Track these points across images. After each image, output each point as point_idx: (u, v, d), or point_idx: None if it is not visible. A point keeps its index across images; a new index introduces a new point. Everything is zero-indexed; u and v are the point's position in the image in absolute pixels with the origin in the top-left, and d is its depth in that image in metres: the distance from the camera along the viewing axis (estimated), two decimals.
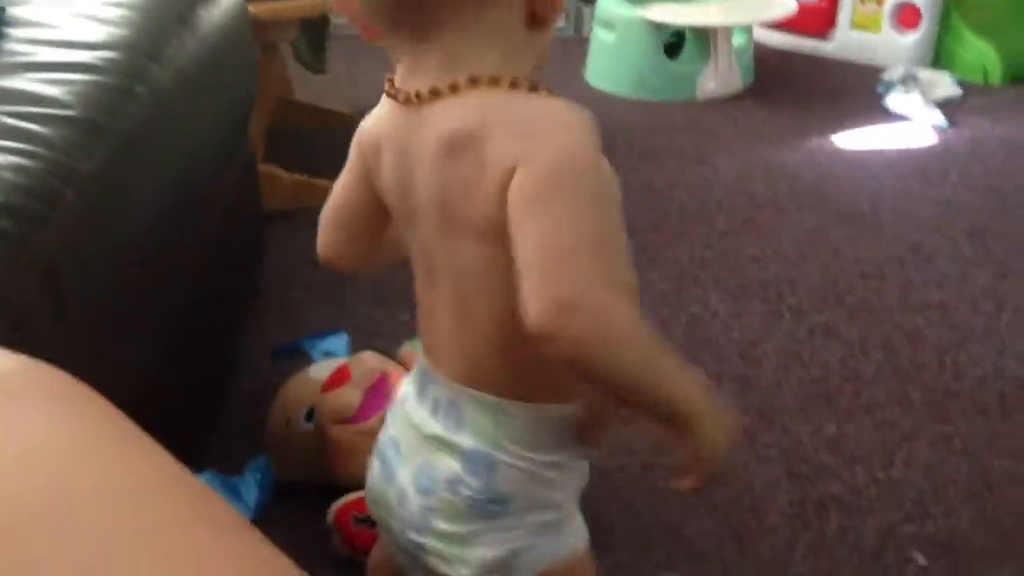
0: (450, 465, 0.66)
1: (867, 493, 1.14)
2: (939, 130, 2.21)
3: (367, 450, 1.07)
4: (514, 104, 0.60)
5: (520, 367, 0.63)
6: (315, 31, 2.05)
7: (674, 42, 2.54)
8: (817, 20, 2.70)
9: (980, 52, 2.48)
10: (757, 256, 1.69)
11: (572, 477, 0.69)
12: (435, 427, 0.67)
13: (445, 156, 0.60)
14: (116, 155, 0.86)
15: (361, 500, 1.03)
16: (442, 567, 0.67)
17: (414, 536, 0.68)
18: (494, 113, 0.60)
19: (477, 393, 0.65)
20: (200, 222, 1.12)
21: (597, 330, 0.57)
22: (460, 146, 0.60)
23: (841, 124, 2.26)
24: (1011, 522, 1.09)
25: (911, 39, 2.54)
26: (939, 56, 2.54)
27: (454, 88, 0.60)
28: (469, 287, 0.63)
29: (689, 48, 2.49)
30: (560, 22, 3.01)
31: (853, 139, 2.18)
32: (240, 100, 1.34)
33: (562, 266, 0.56)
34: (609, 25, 2.51)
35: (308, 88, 2.40)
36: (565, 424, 0.67)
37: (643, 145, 2.18)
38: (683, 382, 0.61)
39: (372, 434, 1.06)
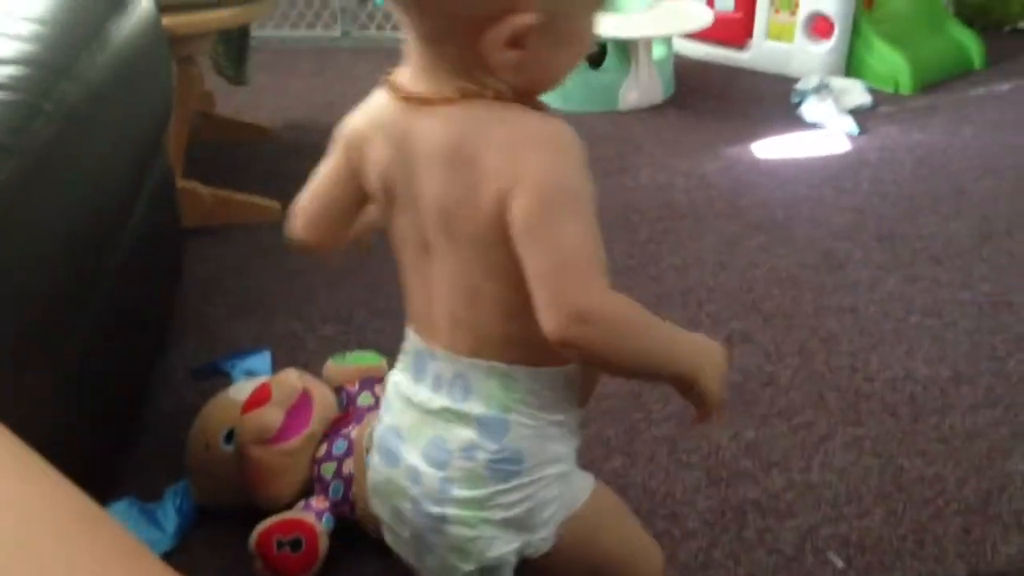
0: (463, 434, 0.70)
1: (784, 497, 1.17)
2: (851, 138, 2.28)
3: (290, 471, 1.07)
4: (495, 119, 0.65)
5: (525, 336, 0.66)
6: (235, 43, 2.03)
7: (596, 53, 2.58)
8: (734, 31, 2.77)
9: (890, 62, 2.57)
10: (677, 265, 1.72)
11: (572, 433, 0.75)
12: (442, 401, 0.71)
13: (444, 165, 0.65)
14: (22, 175, 0.84)
15: (283, 523, 1.02)
16: (466, 532, 0.70)
17: (434, 509, 0.71)
18: (479, 127, 0.64)
19: (484, 363, 0.69)
20: (114, 240, 1.10)
21: (607, 332, 0.64)
22: (455, 160, 0.65)
23: (758, 133, 2.31)
24: (923, 520, 1.13)
25: (824, 49, 2.61)
26: (851, 65, 2.62)
27: (448, 100, 0.65)
28: (477, 274, 0.67)
29: (611, 59, 2.53)
30: None
31: (769, 148, 2.24)
32: (155, 115, 1.31)
33: (567, 281, 0.63)
34: None
35: (230, 100, 2.37)
36: (564, 383, 0.72)
37: None
38: (678, 351, 0.69)
39: (295, 454, 1.06)
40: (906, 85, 2.55)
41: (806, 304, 1.59)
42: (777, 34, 2.70)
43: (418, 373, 0.73)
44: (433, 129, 0.65)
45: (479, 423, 0.69)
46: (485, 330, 0.69)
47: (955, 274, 1.68)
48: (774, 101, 2.50)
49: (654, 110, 2.49)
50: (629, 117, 2.44)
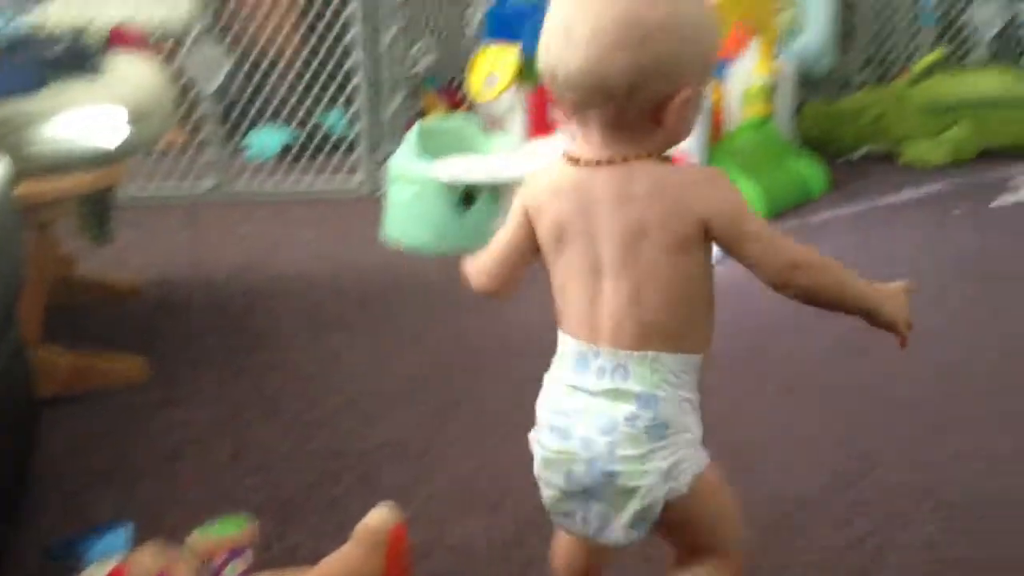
0: (625, 408, 0.94)
1: None
2: (714, 264, 2.38)
3: None
4: (658, 169, 0.93)
5: (672, 331, 0.94)
6: (96, 201, 2.01)
7: (469, 192, 2.66)
8: None
9: (743, 190, 2.72)
10: None
11: (696, 411, 0.98)
12: (607, 384, 0.95)
13: (623, 202, 0.93)
14: None
15: None
16: (632, 482, 0.94)
17: (605, 467, 0.94)
18: (646, 175, 0.92)
19: (639, 353, 0.94)
20: None
21: (813, 272, 0.94)
22: (631, 197, 0.92)
23: None
24: None
25: None
26: None
27: (625, 159, 0.93)
28: (644, 282, 0.93)
29: (483, 200, 2.61)
30: (359, 179, 3.09)
31: None
32: (3, 287, 1.28)
33: (777, 249, 0.94)
34: (403, 182, 2.60)
35: (94, 260, 2.33)
36: (696, 368, 0.97)
37: (447, 295, 2.22)
38: (863, 287, 0.96)
39: None
40: (760, 211, 2.71)
41: None
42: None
43: (581, 368, 0.97)
44: (611, 181, 0.93)
45: (637, 398, 0.94)
46: (642, 328, 0.94)
47: (810, 393, 1.75)
48: None
49: None
50: None
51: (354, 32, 2.98)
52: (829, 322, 2.07)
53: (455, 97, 3.22)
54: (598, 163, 0.93)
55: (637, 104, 0.90)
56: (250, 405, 1.75)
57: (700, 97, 0.93)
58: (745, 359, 1.87)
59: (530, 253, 1.03)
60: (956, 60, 3.53)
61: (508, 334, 2.02)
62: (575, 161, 0.95)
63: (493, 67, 2.92)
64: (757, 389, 1.77)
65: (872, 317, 0.96)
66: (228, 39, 3.06)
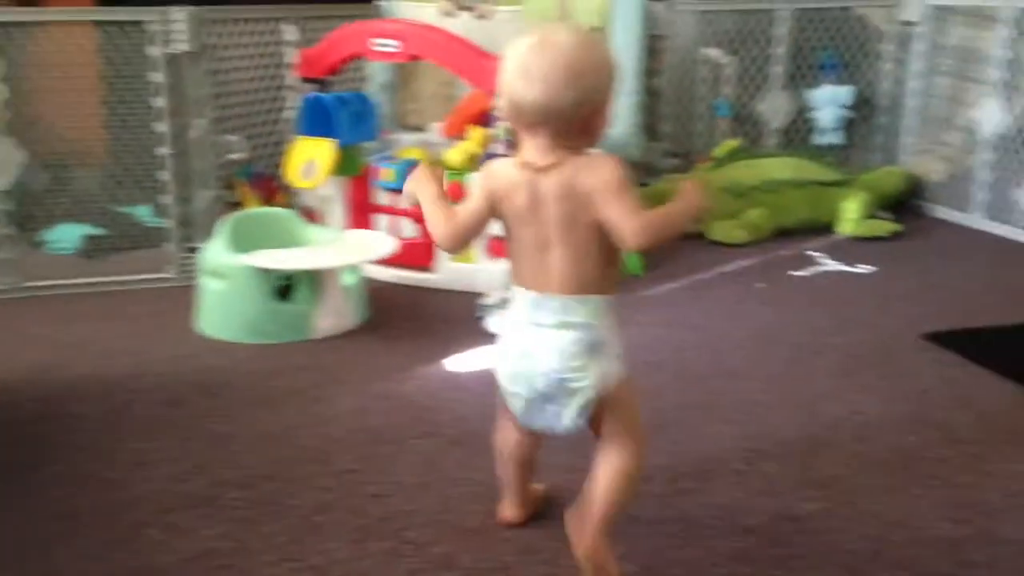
0: (571, 334, 1.35)
1: None
2: None
3: None
4: (582, 162, 1.34)
5: (598, 280, 1.36)
6: None
7: (286, 284, 2.60)
8: (419, 255, 2.91)
9: None
10: (378, 493, 1.69)
11: (618, 335, 1.40)
12: (557, 319, 1.35)
13: (562, 198, 1.33)
14: None
15: None
16: (576, 384, 1.35)
17: (558, 376, 1.35)
18: (575, 171, 1.33)
19: (578, 297, 1.35)
20: None
21: (656, 228, 1.31)
22: (568, 192, 1.33)
23: (451, 349, 2.40)
24: None
25: (503, 266, 2.79)
26: None
27: (562, 162, 1.33)
28: (578, 251, 1.35)
29: (301, 289, 2.55)
30: (170, 272, 2.97)
31: (462, 362, 2.32)
32: None
33: (635, 216, 1.30)
34: (217, 273, 2.51)
35: None
36: (613, 305, 1.39)
37: (262, 390, 2.16)
38: (680, 211, 1.38)
39: None
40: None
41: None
42: (459, 256, 2.87)
43: (536, 311, 1.37)
44: (552, 180, 1.33)
45: (579, 327, 1.35)
46: (579, 281, 1.35)
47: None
48: (463, 317, 2.62)
49: (349, 336, 2.52)
50: (324, 345, 2.45)
51: (162, 126, 2.90)
52: (645, 396, 2.14)
53: (271, 188, 3.17)
54: (545, 168, 1.34)
55: (576, 121, 1.32)
56: (43, 525, 1.60)
57: (609, 111, 1.37)
58: None
59: (486, 224, 1.41)
60: (751, 147, 3.80)
61: (323, 430, 1.96)
62: (529, 166, 1.35)
63: (310, 157, 2.91)
64: None
65: (695, 217, 1.42)
66: (27, 135, 2.90)
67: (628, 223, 1.29)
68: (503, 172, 1.38)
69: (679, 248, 3.28)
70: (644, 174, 3.63)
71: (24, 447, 1.87)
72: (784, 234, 3.42)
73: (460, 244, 1.44)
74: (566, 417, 1.38)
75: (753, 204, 3.42)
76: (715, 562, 1.48)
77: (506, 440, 1.54)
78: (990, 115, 3.45)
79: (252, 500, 1.67)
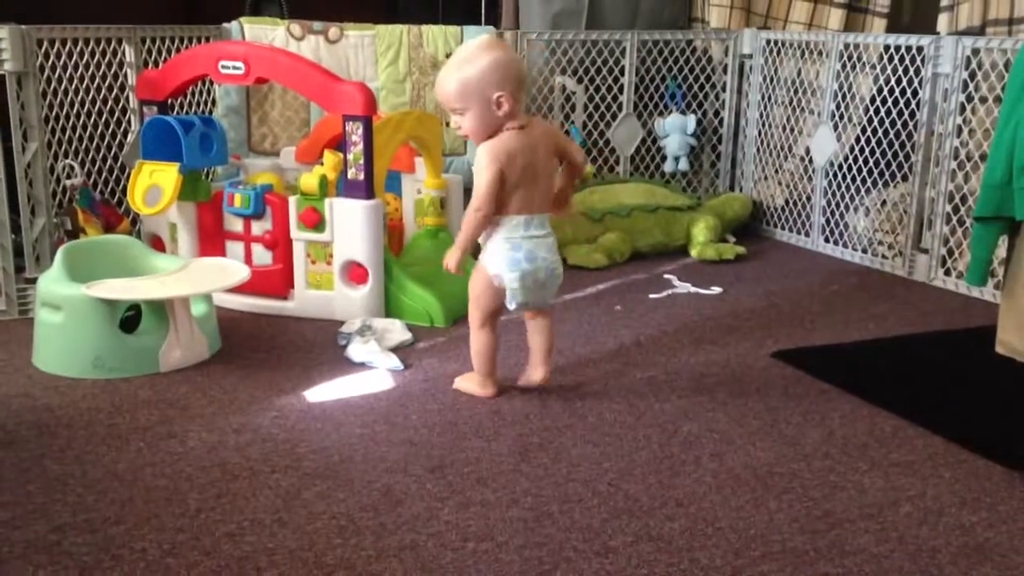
0: (550, 238, 2.15)
1: None
2: (397, 374, 2.39)
3: None
4: (535, 120, 2.14)
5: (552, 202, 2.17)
6: None
7: (130, 315, 2.47)
8: (275, 283, 2.83)
9: (423, 300, 2.77)
10: (233, 531, 1.62)
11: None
12: (543, 231, 2.12)
13: (542, 142, 2.10)
14: None
15: None
16: (558, 270, 2.17)
17: (552, 268, 2.15)
18: (538, 124, 2.15)
19: (546, 214, 2.14)
20: None
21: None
22: (544, 138, 2.11)
23: (310, 379, 2.33)
24: None
25: (361, 293, 2.75)
26: (389, 306, 2.78)
27: (529, 120, 2.11)
28: (548, 180, 2.13)
29: (147, 320, 2.43)
30: (1, 305, 2.77)
31: (322, 392, 2.26)
32: None
33: (579, 151, 2.19)
34: (53, 305, 2.36)
35: None
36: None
37: (105, 428, 2.03)
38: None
39: None
40: (439, 319, 2.76)
41: (367, 549, 1.57)
42: (316, 283, 2.80)
43: (529, 226, 2.09)
44: (535, 132, 2.09)
45: (551, 232, 2.14)
46: (546, 202, 2.13)
47: (501, 493, 1.77)
48: (322, 346, 2.56)
49: (200, 368, 2.41)
50: (173, 378, 2.33)
51: None
52: (508, 422, 2.13)
53: (114, 215, 3.01)
54: (526, 124, 2.08)
55: (488, 99, 2.04)
56: None
57: (504, 95, 2.05)
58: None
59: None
60: (604, 174, 3.89)
61: (173, 468, 1.86)
62: (521, 127, 2.07)
63: (154, 181, 2.78)
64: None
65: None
66: None
67: (578, 152, 2.16)
68: (504, 147, 2.04)
69: None
70: None
71: None
72: (639, 257, 3.52)
73: (492, 211, 2.07)
74: (550, 296, 2.19)
75: (608, 229, 3.51)
76: None
77: (492, 339, 2.24)
78: (822, 144, 3.67)
79: (96, 545, 1.57)
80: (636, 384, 2.34)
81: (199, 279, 2.53)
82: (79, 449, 1.93)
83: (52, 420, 2.08)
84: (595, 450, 1.96)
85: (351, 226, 2.71)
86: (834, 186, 3.64)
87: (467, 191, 3.37)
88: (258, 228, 2.84)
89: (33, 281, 2.59)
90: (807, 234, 3.80)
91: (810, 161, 3.74)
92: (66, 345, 2.35)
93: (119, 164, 3.17)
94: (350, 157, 2.68)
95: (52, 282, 2.39)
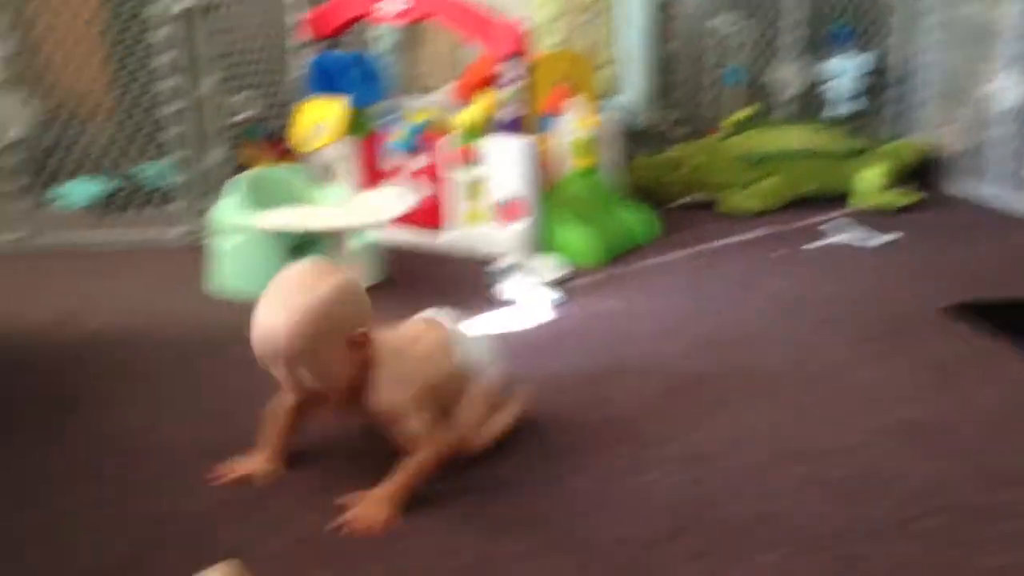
0: None
1: None
2: (550, 310, 2.41)
3: None
4: None
5: None
6: None
7: (300, 244, 2.58)
8: (432, 217, 2.89)
9: (578, 238, 2.78)
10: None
11: None
12: None
13: None
14: None
15: None
16: None
17: None
18: None
19: None
20: None
21: None
22: None
23: (464, 312, 2.38)
24: None
25: (516, 230, 2.78)
26: (544, 243, 2.81)
27: None
28: None
29: (315, 250, 2.53)
30: (181, 230, 2.94)
31: (476, 326, 2.30)
32: None
33: None
34: (228, 233, 2.49)
35: None
36: None
37: None
38: None
39: None
40: (593, 258, 2.76)
41: (521, 475, 1.61)
42: (472, 219, 2.85)
43: None
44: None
45: None
46: None
47: (654, 429, 1.77)
48: (475, 280, 2.61)
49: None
50: None
51: (172, 82, 2.86)
52: (660, 362, 2.11)
53: (280, 147, 3.14)
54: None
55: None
56: (67, 470, 1.60)
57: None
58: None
59: None
60: (764, 116, 3.77)
61: None
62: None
63: (320, 117, 2.87)
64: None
65: None
66: (37, 89, 2.87)
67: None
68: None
69: (692, 216, 3.27)
70: (654, 142, 3.61)
71: (45, 396, 1.87)
72: (798, 205, 3.41)
73: None
74: None
75: (767, 174, 3.40)
76: (738, 525, 1.47)
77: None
78: (1004, 88, 3.43)
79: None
80: (798, 333, 2.27)
81: (361, 211, 2.61)
82: (250, 366, 2.04)
83: (226, 339, 2.20)
84: (753, 394, 1.93)
85: (506, 163, 2.74)
86: (1015, 133, 3.40)
87: (627, 135, 3.35)
88: (415, 164, 2.90)
89: (209, 209, 2.73)
90: (984, 184, 3.58)
91: (990, 107, 3.51)
92: (239, 270, 2.48)
93: (287, 99, 3.29)
94: (506, 95, 2.70)
95: (227, 211, 2.52)
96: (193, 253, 2.78)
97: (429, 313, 1.80)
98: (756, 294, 2.54)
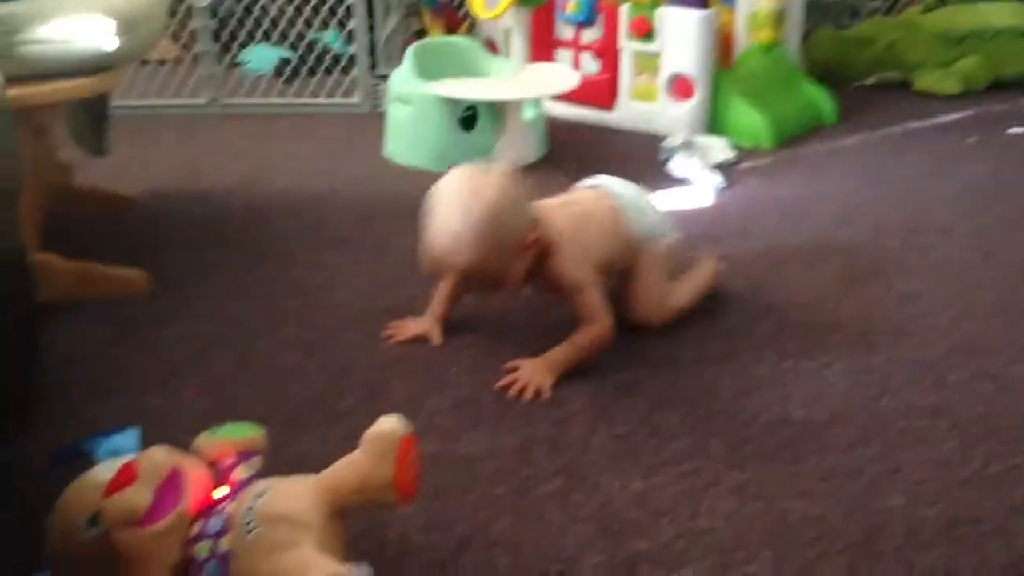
0: None
1: (675, 546, 1.17)
2: (718, 192, 2.36)
3: (161, 553, 1.00)
4: None
5: None
6: (93, 113, 1.95)
7: (469, 115, 2.60)
8: (600, 93, 2.84)
9: (750, 118, 2.68)
10: (566, 318, 1.72)
11: None
12: None
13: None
14: None
15: None
16: None
17: None
18: None
19: None
20: None
21: None
22: None
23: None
24: (809, 561, 1.15)
25: (687, 108, 2.71)
26: (714, 122, 2.72)
27: None
28: None
29: (483, 121, 2.55)
30: (358, 98, 3.03)
31: (644, 192, 2.28)
32: (3, 188, 1.24)
33: None
34: (404, 101, 2.54)
35: (91, 171, 2.28)
36: None
37: None
38: None
39: (166, 535, 0.99)
40: (766, 140, 2.67)
41: (688, 352, 1.62)
42: (642, 95, 2.79)
43: None
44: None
45: None
46: None
47: (824, 318, 1.73)
48: (643, 158, 2.57)
49: (529, 169, 2.51)
50: None
51: None
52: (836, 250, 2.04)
53: (454, 18, 3.14)
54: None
55: None
56: (252, 321, 1.73)
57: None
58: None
59: None
60: None
61: None
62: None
63: None
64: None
65: None
66: None
67: None
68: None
69: (878, 97, 3.08)
70: (846, 17, 3.39)
71: (233, 251, 2.00)
72: (1000, 87, 3.14)
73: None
74: None
75: (967, 52, 3.14)
76: (908, 415, 1.44)
77: None
78: None
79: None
80: (988, 225, 2.13)
81: (531, 84, 2.60)
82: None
83: (401, 204, 2.27)
84: (933, 286, 1.85)
85: (681, 37, 2.65)
86: None
87: (812, 8, 3.15)
88: (588, 36, 2.85)
89: (385, 77, 2.79)
90: None
91: None
92: (413, 138, 2.54)
93: None
94: None
95: (402, 79, 2.56)
96: (370, 120, 2.85)
97: (596, 181, 1.80)
98: (946, 182, 2.39)
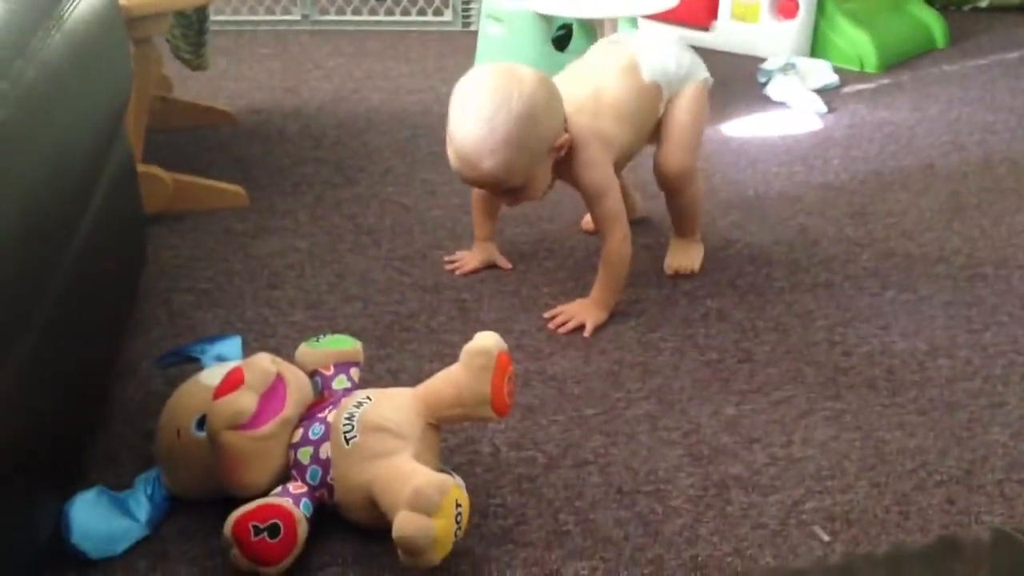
0: None
1: (767, 472, 1.17)
2: (819, 116, 2.28)
3: (265, 457, 1.04)
4: None
5: None
6: (194, 26, 1.97)
7: (562, 34, 2.55)
8: (699, 12, 2.75)
9: (855, 41, 2.57)
10: (652, 245, 1.70)
11: None
12: None
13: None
14: None
15: (260, 509, 0.99)
16: None
17: None
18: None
19: None
20: (74, 226, 1.06)
21: None
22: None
23: (727, 113, 2.30)
24: (906, 492, 1.13)
25: (789, 29, 2.61)
26: (817, 45, 2.62)
27: None
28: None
29: (577, 40, 2.50)
30: (450, 16, 2.99)
31: (738, 127, 2.23)
32: (114, 97, 1.27)
33: None
34: (497, 18, 2.50)
35: (188, 85, 2.32)
36: None
37: None
38: None
39: (270, 439, 1.03)
40: (871, 64, 2.56)
41: (780, 280, 1.58)
42: (742, 15, 2.69)
43: None
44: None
45: None
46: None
47: (928, 248, 1.68)
48: (741, 81, 2.50)
49: None
50: None
51: None
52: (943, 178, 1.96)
53: None
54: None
55: None
56: (348, 237, 1.75)
57: None
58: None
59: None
60: None
61: None
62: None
63: None
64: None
65: None
66: None
67: None
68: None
69: (992, 20, 2.92)
70: None
71: (327, 168, 2.02)
72: None
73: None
74: None
75: None
76: (1013, 349, 1.39)
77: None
78: None
79: (536, 237, 1.74)
80: None
81: (628, 2, 2.53)
82: None
83: None
84: None
85: None
86: None
87: None
88: None
89: None
90: None
91: None
92: (505, 57, 2.49)
93: None
94: None
95: None
96: (462, 37, 2.82)
97: (613, 37, 1.74)
98: None
